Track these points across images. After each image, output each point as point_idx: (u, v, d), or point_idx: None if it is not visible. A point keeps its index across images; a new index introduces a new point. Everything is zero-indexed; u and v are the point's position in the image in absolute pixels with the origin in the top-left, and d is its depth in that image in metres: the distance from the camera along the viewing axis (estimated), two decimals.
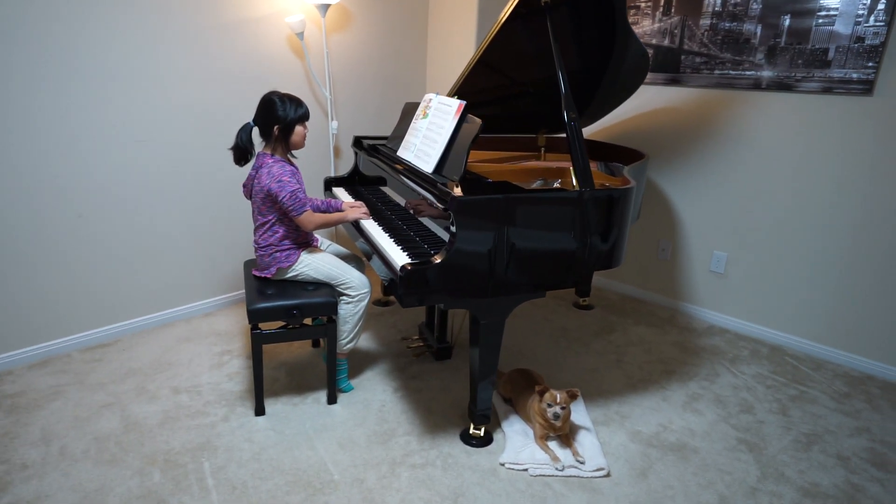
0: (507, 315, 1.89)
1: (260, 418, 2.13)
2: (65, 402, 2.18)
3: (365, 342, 2.73)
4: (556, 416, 1.93)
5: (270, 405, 2.20)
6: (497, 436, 2.08)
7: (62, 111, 2.32)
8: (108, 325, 2.66)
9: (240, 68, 2.82)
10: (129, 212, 2.61)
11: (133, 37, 2.44)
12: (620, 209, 1.96)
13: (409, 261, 1.82)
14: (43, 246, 2.39)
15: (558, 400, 1.94)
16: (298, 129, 2.10)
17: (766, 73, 2.67)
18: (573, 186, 1.94)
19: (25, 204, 2.31)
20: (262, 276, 2.19)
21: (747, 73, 2.73)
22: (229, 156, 2.75)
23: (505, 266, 1.80)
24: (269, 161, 2.07)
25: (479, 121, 1.96)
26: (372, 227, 2.21)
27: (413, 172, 2.13)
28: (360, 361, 2.55)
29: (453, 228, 1.71)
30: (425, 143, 2.19)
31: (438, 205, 1.82)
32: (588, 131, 3.39)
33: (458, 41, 3.64)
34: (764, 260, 2.86)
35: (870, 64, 2.39)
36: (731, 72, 2.78)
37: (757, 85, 2.71)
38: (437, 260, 1.71)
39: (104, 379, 2.34)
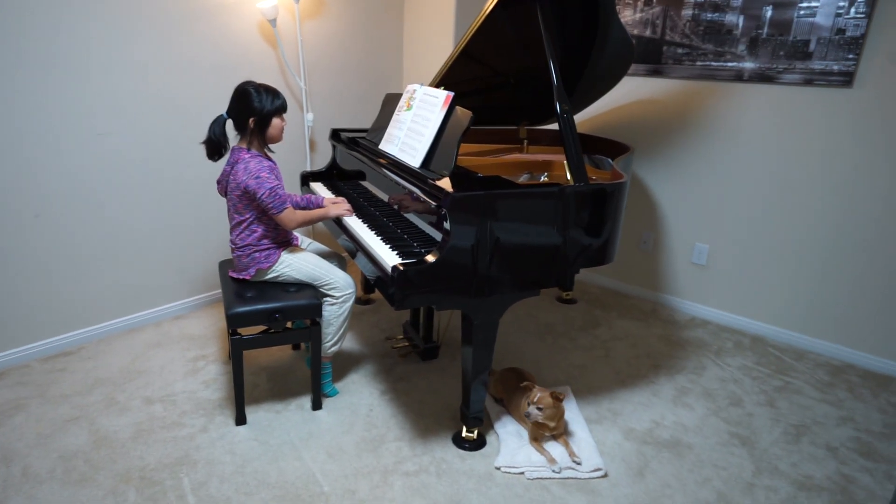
0: (501, 314, 1.83)
1: (241, 428, 2.01)
2: (25, 417, 2.02)
3: (348, 343, 2.63)
4: (530, 416, 1.89)
5: (252, 413, 2.09)
6: (490, 438, 2.02)
7: (9, 102, 2.13)
8: (70, 331, 2.49)
9: (209, 56, 2.66)
10: (92, 210, 2.44)
11: (90, 21, 2.26)
12: (614, 204, 1.91)
13: (400, 261, 1.74)
14: None
15: (536, 399, 1.89)
16: (276, 121, 1.98)
17: (748, 65, 2.66)
18: (566, 180, 1.89)
19: None
20: (240, 277, 2.07)
21: (729, 64, 2.72)
22: (199, 150, 2.60)
23: (501, 264, 1.73)
24: (246, 156, 1.95)
25: (469, 113, 1.88)
26: (356, 225, 2.11)
27: (398, 167, 2.04)
28: (344, 364, 2.45)
29: (447, 226, 1.63)
30: (410, 136, 2.10)
31: (430, 201, 1.74)
32: None
33: (436, 30, 3.54)
34: (745, 251, 2.88)
35: (850, 56, 2.40)
36: (713, 63, 2.77)
37: (739, 76, 2.71)
38: (431, 259, 1.63)
39: (68, 390, 2.19)
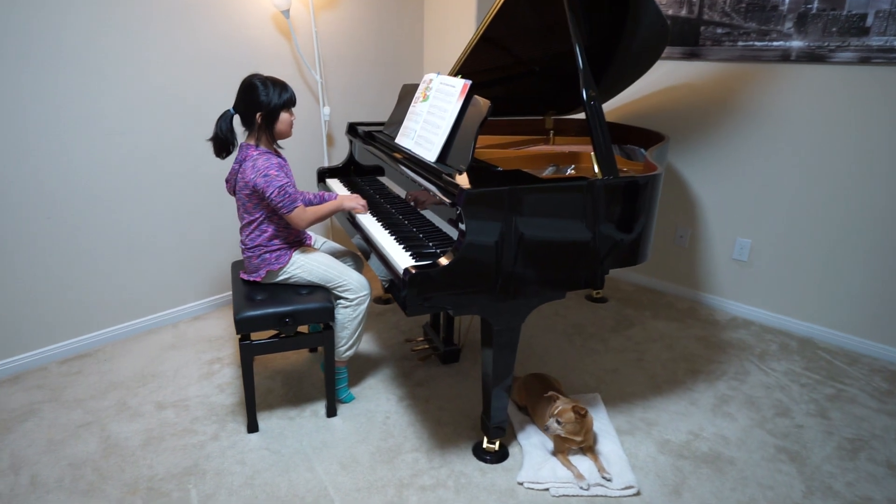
0: (523, 319, 1.69)
1: (253, 436, 1.94)
2: (38, 422, 1.99)
3: (365, 345, 2.54)
4: (548, 429, 1.76)
5: (264, 420, 2.02)
6: (513, 450, 1.89)
7: (18, 101, 2.09)
8: (87, 333, 2.46)
9: (221, 50, 2.58)
10: (106, 210, 2.40)
11: (100, 16, 2.20)
12: (647, 198, 1.75)
13: (412, 263, 1.62)
14: (12, 252, 2.18)
15: (556, 412, 1.75)
16: (284, 116, 1.88)
17: (796, 44, 2.44)
18: (594, 173, 1.73)
19: None
20: (251, 279, 1.99)
21: (774, 43, 2.50)
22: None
23: (522, 266, 1.59)
24: (254, 153, 1.86)
25: (487, 102, 1.75)
26: (369, 223, 2.00)
27: (413, 161, 1.92)
28: (361, 367, 2.36)
29: (462, 226, 1.50)
30: (426, 129, 1.97)
31: (444, 198, 1.62)
32: None
33: (459, 17, 3.39)
34: (791, 246, 2.66)
35: None
36: (756, 43, 2.55)
37: (785, 57, 2.49)
38: (445, 262, 1.51)
39: (82, 394, 2.15)
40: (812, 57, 2.42)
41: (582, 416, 1.75)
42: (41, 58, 2.10)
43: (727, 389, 2.25)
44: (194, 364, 2.37)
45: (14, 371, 2.28)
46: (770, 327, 2.78)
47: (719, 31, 2.64)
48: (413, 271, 1.48)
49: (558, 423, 1.74)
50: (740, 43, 2.59)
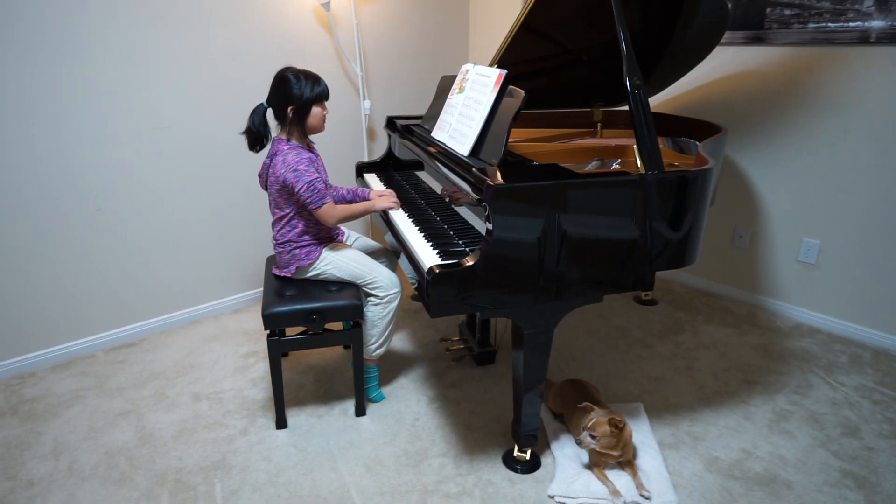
0: (555, 324, 1.59)
1: (281, 432, 1.93)
2: (82, 408, 2.06)
3: (399, 342, 2.49)
4: (580, 444, 1.64)
5: (294, 416, 2.00)
6: (545, 460, 1.80)
7: (70, 100, 2.16)
8: (133, 323, 2.54)
9: (262, 45, 2.59)
10: (151, 204, 2.46)
11: (142, 14, 2.25)
12: (696, 195, 1.61)
13: (438, 261, 1.55)
14: (62, 243, 2.27)
15: (590, 424, 1.63)
16: (315, 110, 1.84)
17: (877, 24, 2.19)
18: (637, 168, 1.60)
19: (42, 200, 2.18)
20: (282, 275, 1.98)
21: (851, 24, 2.26)
22: None
23: (554, 267, 1.49)
24: (285, 147, 1.84)
25: (522, 92, 1.65)
26: (401, 220, 1.94)
27: (446, 156, 1.85)
28: (394, 365, 2.31)
29: (489, 225, 1.42)
30: (461, 122, 1.89)
31: (473, 194, 1.53)
32: (651, 102, 2.98)
33: (506, 6, 3.28)
34: (865, 247, 2.41)
35: None
36: (829, 24, 2.31)
37: (864, 38, 2.24)
38: (470, 261, 1.43)
39: (124, 383, 2.21)
40: (895, 38, 2.16)
41: (619, 430, 1.63)
42: (88, 54, 2.16)
43: (787, 404, 2.06)
44: (231, 357, 2.39)
45: (65, 357, 2.38)
46: (839, 336, 2.53)
47: (787, 12, 2.41)
48: (436, 270, 1.41)
49: (592, 437, 1.62)
50: (811, 25, 2.36)
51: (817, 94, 2.42)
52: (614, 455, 1.66)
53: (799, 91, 2.47)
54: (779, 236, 2.68)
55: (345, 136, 3.02)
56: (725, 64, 2.68)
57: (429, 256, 1.61)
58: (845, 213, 2.44)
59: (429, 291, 1.43)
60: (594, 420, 1.63)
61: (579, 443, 1.65)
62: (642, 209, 1.53)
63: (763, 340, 2.50)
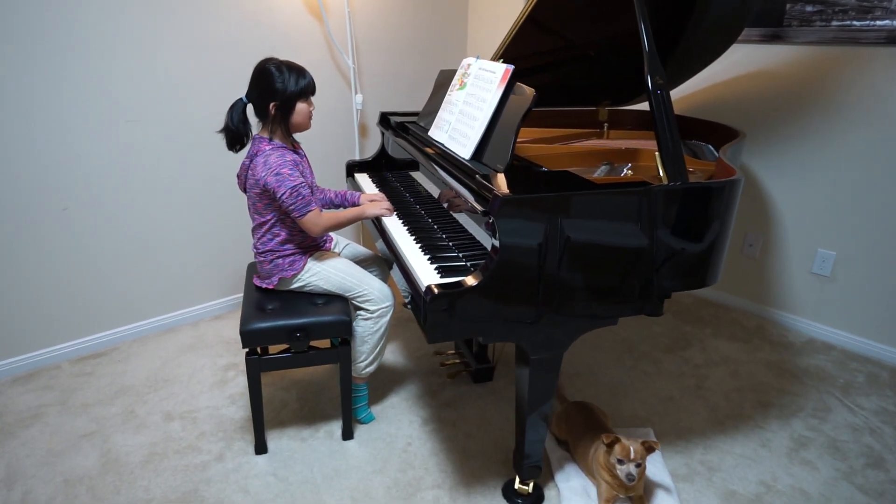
0: (565, 349, 1.44)
1: (260, 458, 1.76)
2: (42, 428, 1.88)
3: (391, 355, 2.33)
4: (631, 478, 1.48)
5: (275, 440, 1.84)
6: (549, 492, 1.65)
7: (33, 88, 1.97)
8: (103, 331, 2.35)
9: (246, 34, 2.40)
10: (123, 202, 2.27)
11: None
12: (722, 209, 1.46)
13: (437, 280, 1.39)
14: (26, 244, 2.08)
15: (632, 455, 1.48)
16: (300, 105, 1.67)
17: None
18: (655, 173, 1.45)
19: (2, 197, 1.99)
20: (264, 286, 1.81)
21: (878, 23, 2.12)
22: None
23: (569, 290, 1.33)
24: (267, 148, 1.66)
25: (531, 90, 1.49)
26: (394, 228, 1.78)
27: (446, 159, 1.68)
28: (384, 381, 2.15)
29: (496, 241, 1.25)
30: (462, 121, 1.73)
31: (476, 205, 1.37)
32: None
33: None
34: (884, 260, 2.28)
35: None
36: (854, 23, 2.17)
37: (891, 39, 2.10)
38: (472, 282, 1.26)
39: (91, 399, 2.03)
40: None
41: (652, 451, 1.51)
42: (54, 42, 1.96)
43: (805, 429, 1.93)
44: (209, 369, 2.22)
45: (28, 368, 2.19)
46: (855, 353, 2.41)
47: (809, 9, 2.27)
48: (435, 291, 1.25)
49: (637, 465, 1.48)
50: (835, 22, 2.21)
51: (838, 96, 2.28)
52: (629, 487, 1.51)
53: (818, 93, 2.33)
54: (792, 246, 2.55)
55: (334, 132, 2.84)
56: (739, 63, 2.53)
57: (426, 272, 1.45)
58: (864, 223, 2.31)
59: (426, 315, 1.26)
60: (634, 449, 1.48)
61: (628, 477, 1.48)
62: (663, 222, 1.38)
63: (775, 357, 2.37)
